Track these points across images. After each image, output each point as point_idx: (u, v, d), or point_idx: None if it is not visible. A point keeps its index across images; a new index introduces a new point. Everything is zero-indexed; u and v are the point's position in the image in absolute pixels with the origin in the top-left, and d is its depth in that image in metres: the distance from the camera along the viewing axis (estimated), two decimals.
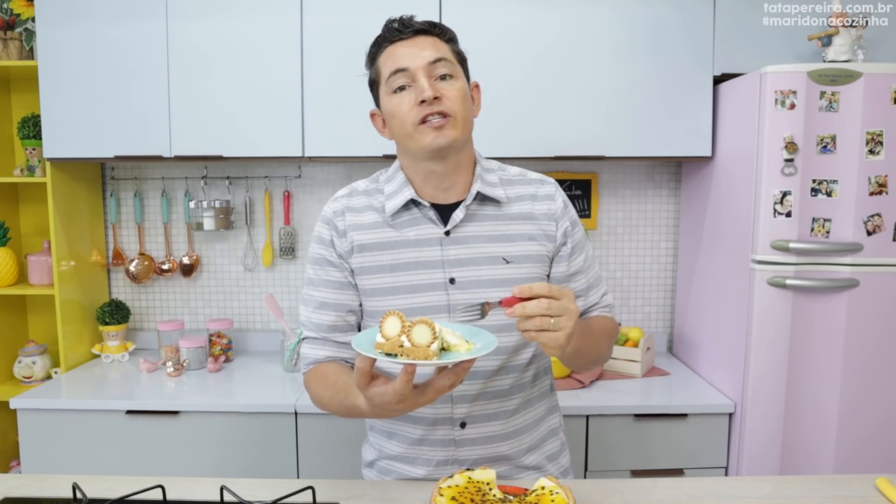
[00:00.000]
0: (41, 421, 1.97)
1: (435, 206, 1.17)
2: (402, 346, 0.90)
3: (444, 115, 1.08)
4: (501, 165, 1.25)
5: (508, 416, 1.20)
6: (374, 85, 1.17)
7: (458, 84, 1.11)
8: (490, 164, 1.23)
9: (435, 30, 1.13)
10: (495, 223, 1.17)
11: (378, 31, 1.16)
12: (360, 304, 1.21)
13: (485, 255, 1.16)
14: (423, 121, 1.09)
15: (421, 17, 1.14)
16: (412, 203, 1.17)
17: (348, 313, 1.20)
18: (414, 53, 1.09)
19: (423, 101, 1.08)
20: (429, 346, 0.90)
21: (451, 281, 1.15)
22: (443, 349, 0.94)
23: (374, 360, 0.91)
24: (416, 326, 0.91)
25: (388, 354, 0.91)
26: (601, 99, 2.08)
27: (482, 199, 1.18)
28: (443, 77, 1.10)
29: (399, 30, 1.11)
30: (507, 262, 1.16)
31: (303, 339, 1.22)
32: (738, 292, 1.91)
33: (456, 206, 1.17)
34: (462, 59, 1.16)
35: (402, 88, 1.10)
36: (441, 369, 0.93)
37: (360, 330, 1.23)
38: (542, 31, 2.06)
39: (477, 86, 1.20)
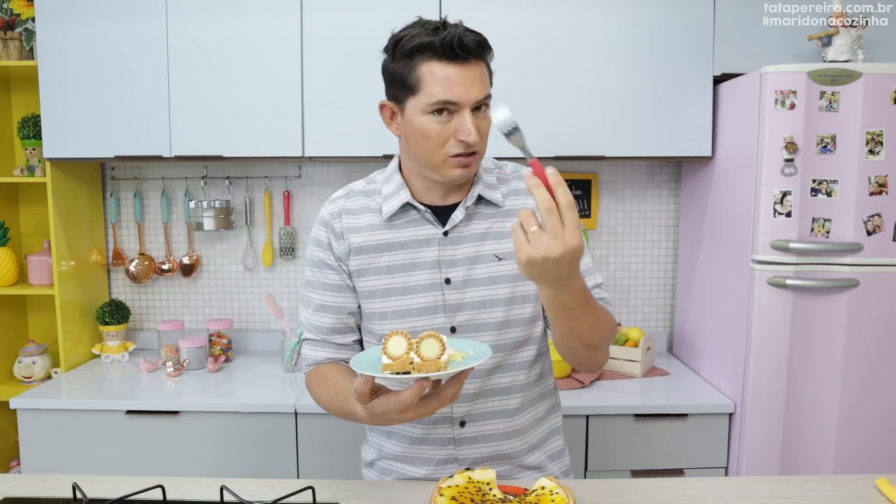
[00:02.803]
0: (41, 421, 1.97)
1: (432, 208, 1.17)
2: (412, 362, 0.91)
3: (475, 153, 1.08)
4: (497, 163, 1.25)
5: (510, 414, 1.20)
6: (399, 84, 1.09)
7: (488, 117, 1.09)
8: (487, 163, 1.23)
9: (484, 52, 1.08)
10: (490, 221, 1.18)
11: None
12: (360, 306, 1.20)
13: (478, 253, 1.16)
14: (455, 155, 1.08)
15: (421, 15, 1.11)
16: (409, 205, 1.17)
17: (348, 315, 1.20)
18: (465, 86, 1.05)
19: (462, 140, 1.06)
20: (439, 358, 0.91)
21: (447, 281, 1.15)
22: None
23: (373, 379, 0.92)
24: (424, 341, 0.92)
25: (398, 374, 0.91)
26: (601, 99, 2.08)
27: (479, 198, 1.18)
28: (479, 108, 1.07)
29: (456, 52, 1.04)
30: (500, 259, 1.16)
31: (304, 339, 1.23)
32: (738, 292, 1.91)
33: (454, 206, 1.17)
34: (491, 76, 1.13)
35: (440, 112, 1.06)
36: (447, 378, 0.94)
37: (360, 330, 1.24)
38: (542, 31, 2.06)
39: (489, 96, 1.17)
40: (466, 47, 1.04)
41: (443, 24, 1.07)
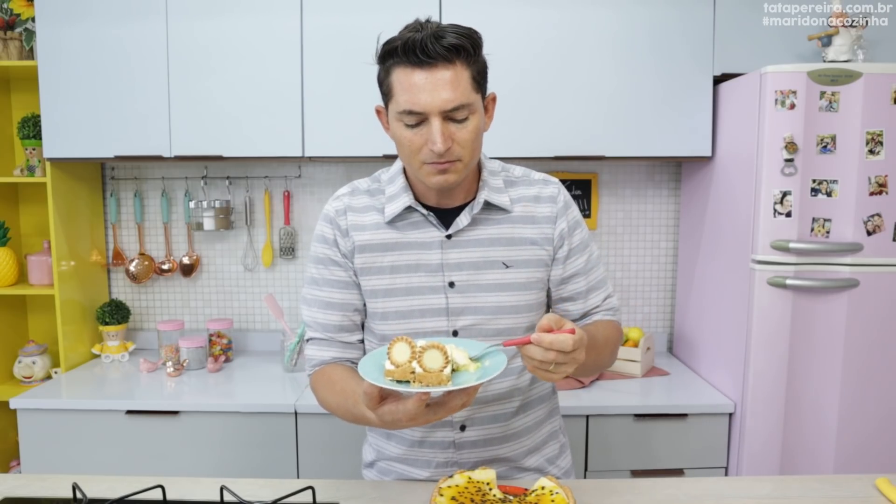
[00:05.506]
0: (41, 421, 1.97)
1: (436, 210, 1.16)
2: (413, 372, 0.90)
3: (451, 161, 1.05)
4: (505, 166, 1.23)
5: (508, 418, 1.20)
6: (382, 90, 1.09)
7: (471, 125, 1.04)
8: (494, 165, 1.21)
9: (460, 55, 1.01)
10: (497, 227, 1.16)
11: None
12: (364, 304, 1.20)
13: (485, 259, 1.15)
14: (430, 162, 1.05)
15: (421, 15, 1.08)
16: (412, 208, 1.15)
17: (354, 312, 1.19)
18: (430, 93, 1.00)
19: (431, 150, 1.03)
20: (441, 371, 0.90)
21: (451, 284, 1.14)
22: (453, 370, 0.93)
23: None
24: (427, 352, 0.91)
25: (400, 382, 0.90)
26: (601, 99, 2.08)
27: (486, 204, 1.16)
28: (459, 116, 1.03)
29: (419, 57, 0.99)
30: (507, 267, 1.15)
31: (307, 339, 1.21)
32: (738, 292, 1.91)
33: (459, 209, 1.16)
34: (482, 78, 1.07)
35: (411, 120, 1.03)
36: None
37: (363, 329, 1.23)
38: (542, 31, 2.06)
39: (494, 98, 1.13)
40: (430, 52, 0.99)
41: (421, 26, 1.02)
